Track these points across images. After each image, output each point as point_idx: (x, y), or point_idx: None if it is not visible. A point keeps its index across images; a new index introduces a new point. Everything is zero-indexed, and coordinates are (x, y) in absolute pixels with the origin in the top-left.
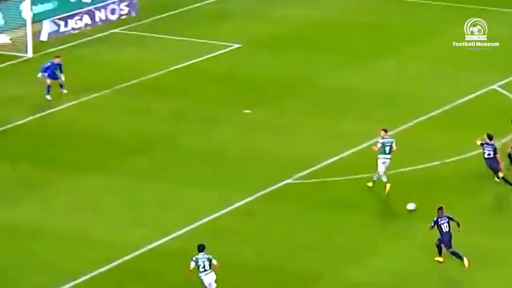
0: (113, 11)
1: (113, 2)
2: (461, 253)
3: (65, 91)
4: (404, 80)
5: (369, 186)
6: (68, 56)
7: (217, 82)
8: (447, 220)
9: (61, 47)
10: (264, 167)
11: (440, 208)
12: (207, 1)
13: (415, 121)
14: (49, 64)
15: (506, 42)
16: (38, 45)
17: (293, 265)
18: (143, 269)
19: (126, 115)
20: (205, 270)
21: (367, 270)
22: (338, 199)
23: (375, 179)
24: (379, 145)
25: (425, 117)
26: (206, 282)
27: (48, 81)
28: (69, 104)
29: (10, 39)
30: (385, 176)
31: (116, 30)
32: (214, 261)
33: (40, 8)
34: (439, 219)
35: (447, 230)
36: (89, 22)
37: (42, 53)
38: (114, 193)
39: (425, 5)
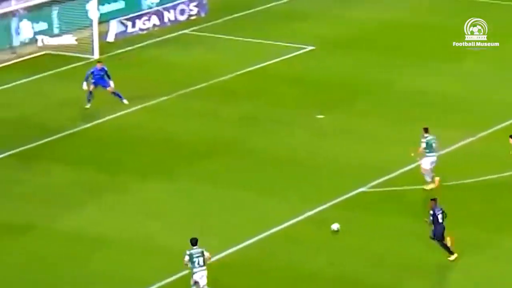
0: (182, 12)
1: (182, 2)
2: (450, 247)
3: (125, 101)
4: (482, 83)
5: (424, 189)
6: (135, 57)
7: (289, 85)
8: (441, 211)
9: (128, 48)
10: (337, 174)
11: (434, 200)
12: (280, 1)
13: (495, 127)
14: (92, 70)
15: None
16: (105, 46)
17: (367, 276)
18: (210, 280)
19: (195, 118)
20: (200, 266)
21: (443, 283)
22: (413, 208)
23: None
24: (423, 145)
25: (505, 123)
26: (197, 277)
27: (91, 87)
28: (136, 107)
29: (76, 39)
30: (429, 174)
31: (186, 31)
32: (206, 254)
33: (107, 8)
34: (436, 210)
35: (442, 221)
36: (158, 22)
37: (108, 54)
38: (182, 200)
39: (494, 5)
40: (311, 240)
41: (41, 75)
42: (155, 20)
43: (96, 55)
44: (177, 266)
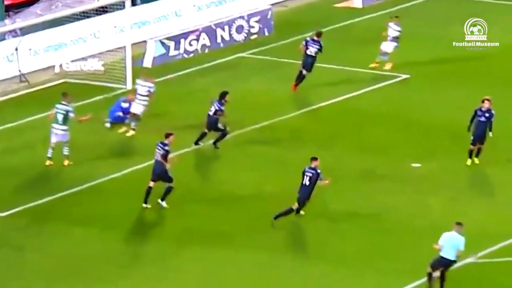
0: (239, 29)
1: (241, 17)
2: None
3: (108, 124)
4: None
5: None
6: (178, 88)
7: (376, 125)
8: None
9: (170, 76)
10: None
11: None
12: (365, 16)
13: None
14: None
15: None
16: (140, 73)
17: None
18: None
19: (255, 167)
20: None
21: None
22: None
23: None
24: None
25: None
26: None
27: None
28: (176, 153)
29: (103, 65)
30: None
31: (243, 54)
32: (71, 115)
33: (142, 23)
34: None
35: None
36: (208, 43)
37: None
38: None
39: None
40: None
41: None
42: (205, 39)
43: (129, 86)
44: None
